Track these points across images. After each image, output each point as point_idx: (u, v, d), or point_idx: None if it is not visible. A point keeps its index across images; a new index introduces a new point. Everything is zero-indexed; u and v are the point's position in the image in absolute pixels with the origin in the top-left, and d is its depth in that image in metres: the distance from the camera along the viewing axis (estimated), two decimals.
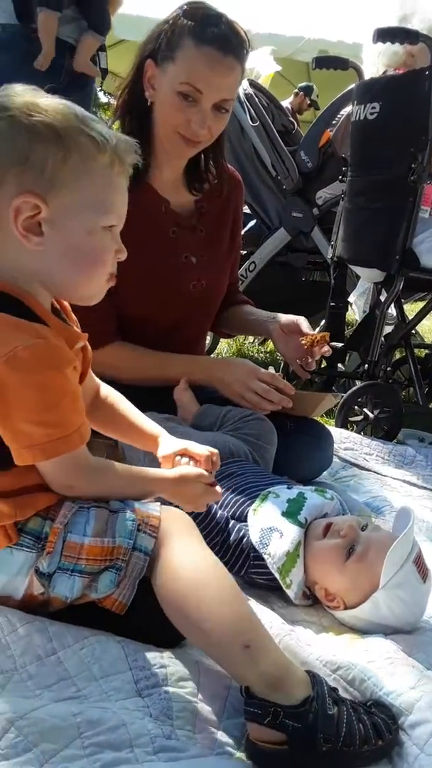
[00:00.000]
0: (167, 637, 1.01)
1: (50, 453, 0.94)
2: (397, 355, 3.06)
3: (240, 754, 0.87)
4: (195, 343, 1.90)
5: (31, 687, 0.87)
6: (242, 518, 1.35)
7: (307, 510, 1.33)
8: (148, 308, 1.73)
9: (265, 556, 1.26)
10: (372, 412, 2.50)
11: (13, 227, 0.92)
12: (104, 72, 3.03)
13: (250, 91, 3.29)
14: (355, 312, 3.11)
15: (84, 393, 1.06)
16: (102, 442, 1.42)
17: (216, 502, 1.32)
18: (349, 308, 3.26)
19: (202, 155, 1.73)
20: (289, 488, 1.40)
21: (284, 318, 1.81)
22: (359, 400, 2.53)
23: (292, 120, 3.77)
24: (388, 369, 2.72)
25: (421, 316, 2.72)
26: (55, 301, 1.06)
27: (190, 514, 1.09)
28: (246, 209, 3.07)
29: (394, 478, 2.10)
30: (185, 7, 1.55)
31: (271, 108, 3.44)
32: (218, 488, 1.13)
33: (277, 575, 1.25)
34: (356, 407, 2.55)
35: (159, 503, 1.05)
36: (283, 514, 1.31)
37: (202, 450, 1.14)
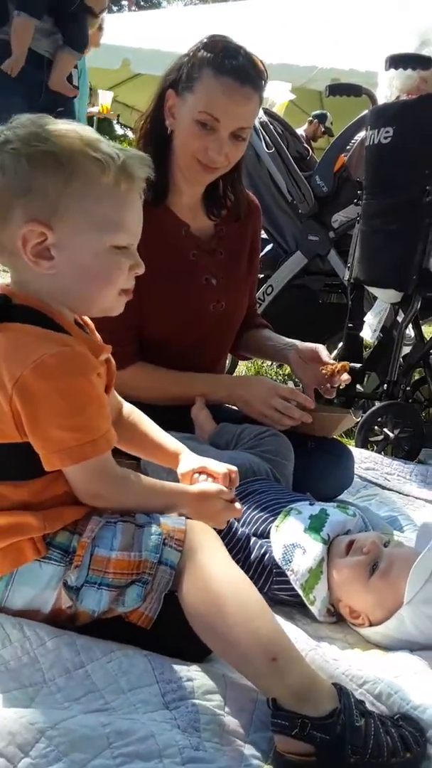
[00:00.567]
0: (193, 651, 1.02)
1: (78, 457, 0.96)
2: (416, 376, 3.06)
3: (268, 767, 0.86)
4: (215, 364, 1.93)
5: (60, 699, 0.88)
6: (264, 535, 1.35)
7: (330, 526, 1.33)
8: (169, 329, 1.76)
9: (288, 573, 1.26)
10: (392, 432, 2.49)
11: (23, 255, 0.96)
12: (90, 88, 2.98)
13: (265, 119, 3.36)
14: (367, 331, 3.10)
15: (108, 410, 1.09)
16: (124, 462, 1.44)
17: (237, 519, 1.33)
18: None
19: (221, 181, 1.77)
20: (311, 505, 1.41)
21: (302, 346, 1.83)
22: (379, 420, 2.53)
23: (307, 147, 3.83)
24: (408, 389, 2.72)
25: None
26: (79, 318, 1.09)
27: None
28: (263, 234, 3.11)
29: (416, 498, 2.09)
30: (206, 40, 1.61)
31: (286, 135, 3.50)
32: (237, 505, 1.15)
33: (300, 592, 1.25)
34: (376, 427, 2.55)
35: (184, 517, 1.07)
36: (306, 530, 1.31)
37: (221, 468, 1.16)
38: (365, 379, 3.11)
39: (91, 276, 1.00)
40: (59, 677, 0.91)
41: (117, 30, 5.93)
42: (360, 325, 3.04)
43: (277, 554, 1.28)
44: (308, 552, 1.27)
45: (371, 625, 1.22)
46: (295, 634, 1.11)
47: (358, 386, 3.00)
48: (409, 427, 2.49)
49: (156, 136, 1.69)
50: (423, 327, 2.86)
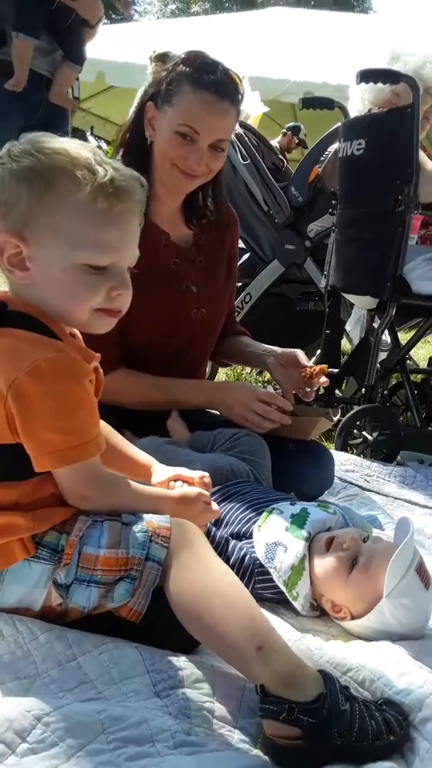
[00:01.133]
0: (181, 644, 1.04)
1: (69, 459, 0.99)
2: (394, 381, 3.13)
3: (257, 751, 0.90)
4: (196, 369, 1.96)
5: (54, 690, 0.91)
6: (247, 535, 1.39)
7: (311, 524, 1.37)
8: (152, 336, 1.79)
9: (271, 570, 1.29)
10: (371, 435, 2.55)
11: (2, 263, 1.00)
12: (76, 99, 3.01)
13: (240, 131, 3.43)
14: (350, 341, 3.19)
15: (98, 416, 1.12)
16: None
17: (214, 523, 1.37)
18: (345, 337, 3.33)
19: (200, 192, 1.82)
20: (292, 504, 1.45)
21: (281, 351, 1.87)
22: (358, 423, 2.58)
23: (282, 158, 3.91)
24: (385, 393, 2.78)
25: (415, 340, 2.80)
26: (71, 329, 1.12)
27: None
28: (240, 243, 3.17)
29: (396, 498, 2.14)
30: (184, 55, 1.66)
31: (261, 147, 3.57)
32: (215, 506, 1.21)
33: (283, 588, 1.28)
34: (355, 431, 2.60)
35: (168, 516, 1.10)
36: (287, 528, 1.35)
37: (195, 473, 1.21)
38: (344, 384, 3.17)
39: (60, 291, 1.01)
40: (52, 669, 0.94)
41: (91, 43, 5.97)
42: (338, 331, 3.11)
43: (260, 553, 1.32)
44: (290, 549, 1.31)
45: (353, 618, 1.26)
46: (280, 626, 1.14)
47: (336, 391, 3.05)
48: (387, 429, 2.55)
49: (135, 147, 1.74)
50: (399, 334, 2.93)
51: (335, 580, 1.27)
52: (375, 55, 2.70)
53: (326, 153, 3.39)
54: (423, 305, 2.60)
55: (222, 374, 3.85)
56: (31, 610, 1.03)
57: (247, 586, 1.29)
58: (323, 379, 1.80)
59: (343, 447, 2.55)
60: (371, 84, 2.63)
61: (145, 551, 1.02)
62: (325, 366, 1.81)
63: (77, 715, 0.82)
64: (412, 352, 3.55)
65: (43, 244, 0.99)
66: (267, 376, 3.78)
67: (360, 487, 2.14)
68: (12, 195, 0.97)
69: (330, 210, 2.98)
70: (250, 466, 1.60)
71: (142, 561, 1.02)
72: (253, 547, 1.34)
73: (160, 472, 1.24)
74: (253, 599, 1.01)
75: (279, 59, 6.63)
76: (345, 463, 2.32)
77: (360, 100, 2.79)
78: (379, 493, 2.13)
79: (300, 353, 1.85)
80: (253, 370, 4.03)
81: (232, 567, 1.30)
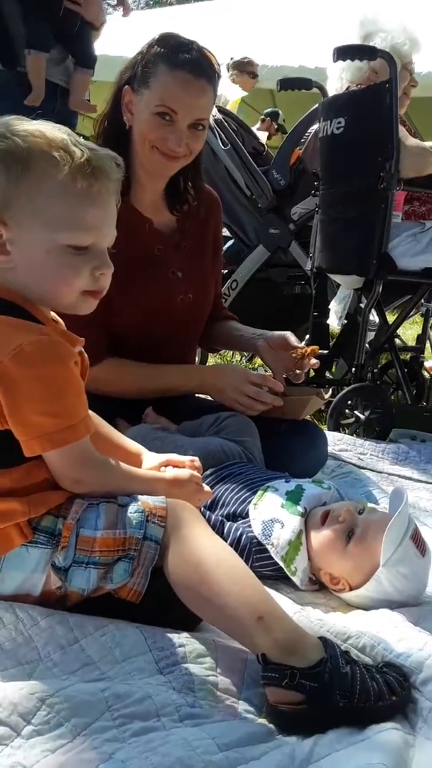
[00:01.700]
0: (182, 623, 1.05)
1: (58, 442, 0.99)
2: (384, 361, 3.14)
3: (262, 720, 0.91)
4: (185, 356, 1.96)
5: (57, 673, 0.91)
6: (243, 515, 1.39)
7: (306, 500, 1.37)
8: (139, 323, 1.79)
9: (269, 547, 1.30)
10: (363, 414, 2.56)
11: None
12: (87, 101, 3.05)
13: (219, 116, 3.41)
14: (332, 318, 3.18)
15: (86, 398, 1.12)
16: None
17: (209, 506, 1.38)
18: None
19: (181, 177, 1.81)
20: (287, 482, 1.45)
21: (271, 334, 1.87)
22: (349, 403, 2.59)
23: (261, 142, 3.89)
24: (375, 372, 2.79)
25: (402, 317, 2.81)
26: (53, 315, 1.12)
27: None
28: (224, 230, 3.16)
29: (390, 474, 2.15)
30: (157, 36, 1.65)
31: (241, 131, 3.56)
32: (207, 488, 1.22)
33: (281, 564, 1.29)
34: (347, 410, 2.61)
35: (164, 496, 1.10)
36: (283, 505, 1.36)
37: (184, 458, 1.22)
38: (333, 365, 3.18)
39: (45, 274, 1.01)
40: (54, 653, 0.94)
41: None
42: (325, 312, 3.11)
43: (257, 530, 1.32)
44: (286, 525, 1.31)
45: (351, 589, 1.27)
46: (280, 600, 1.15)
47: (327, 373, 3.06)
48: (378, 408, 2.56)
49: (114, 134, 1.72)
50: (386, 314, 2.94)
51: (332, 552, 1.28)
52: (348, 32, 2.69)
53: (307, 134, 3.38)
54: (409, 281, 2.60)
55: (212, 360, 3.84)
56: (31, 595, 1.03)
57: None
58: (314, 360, 1.80)
59: (336, 427, 2.56)
60: (348, 61, 2.62)
61: (142, 531, 1.03)
62: (316, 347, 1.81)
63: (81, 695, 0.83)
64: (400, 333, 3.56)
65: (24, 227, 0.98)
66: (258, 362, 3.78)
67: (354, 465, 2.15)
68: None
69: (313, 192, 2.98)
70: (240, 447, 1.60)
71: (140, 540, 1.02)
72: (249, 526, 1.34)
73: (150, 459, 1.25)
74: (251, 572, 1.02)
75: (255, 45, 6.60)
76: (338, 442, 2.33)
77: (338, 79, 2.79)
78: (373, 470, 2.15)
79: (290, 335, 1.85)
80: (243, 356, 4.03)
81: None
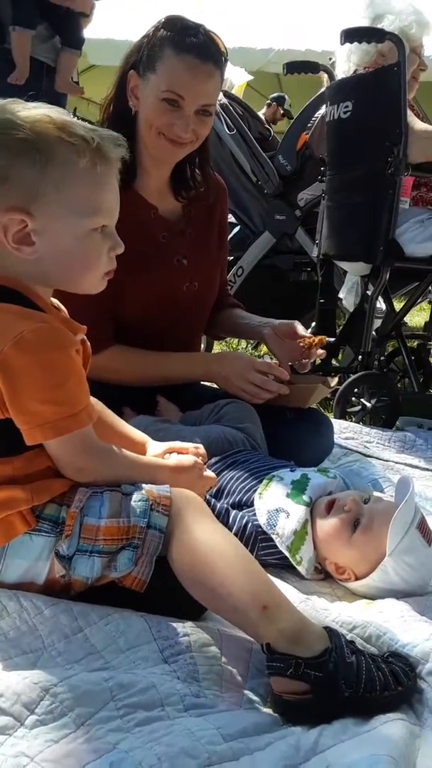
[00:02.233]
0: (187, 612, 1.05)
1: (60, 430, 0.99)
2: (390, 348, 3.12)
3: (267, 709, 0.90)
4: (190, 344, 1.95)
5: (61, 662, 0.91)
6: (248, 504, 1.38)
7: (312, 489, 1.36)
8: (144, 311, 1.77)
9: (274, 537, 1.30)
10: (369, 402, 2.54)
11: (5, 242, 0.98)
12: (76, 83, 3.01)
13: (225, 101, 3.37)
14: (345, 309, 3.18)
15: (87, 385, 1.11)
16: None
17: (214, 494, 1.37)
18: (339, 305, 3.32)
19: (188, 164, 1.79)
20: (292, 471, 1.44)
21: (278, 322, 1.85)
22: (356, 390, 2.58)
23: (268, 127, 3.86)
24: (382, 359, 2.78)
25: (410, 305, 2.78)
26: (55, 302, 1.11)
27: None
28: (230, 217, 3.14)
29: (396, 462, 2.14)
30: (163, 20, 1.62)
31: (247, 116, 3.53)
32: (210, 473, 1.22)
33: (287, 553, 1.28)
34: (353, 398, 2.60)
35: (168, 485, 1.10)
36: (288, 495, 1.35)
37: (188, 445, 1.22)
38: (340, 353, 3.16)
39: (73, 260, 1.02)
40: (59, 642, 0.94)
41: None
42: (332, 300, 3.09)
43: (262, 519, 1.32)
44: (292, 515, 1.31)
45: (357, 579, 1.26)
46: (285, 590, 1.14)
47: (333, 360, 3.04)
48: (385, 396, 2.55)
49: (120, 119, 1.70)
50: (393, 302, 2.91)
51: (338, 542, 1.28)
52: (357, 14, 2.65)
53: (313, 119, 3.35)
54: (416, 268, 2.58)
55: (217, 348, 3.83)
56: (35, 583, 1.03)
57: (252, 554, 1.30)
58: (320, 350, 1.79)
59: (342, 415, 2.54)
60: (356, 44, 2.58)
61: (146, 519, 1.02)
62: (323, 337, 1.79)
63: (85, 685, 0.82)
64: (407, 320, 3.54)
65: (52, 216, 0.98)
66: (263, 349, 3.77)
67: (360, 453, 2.14)
68: (12, 170, 0.96)
69: (319, 177, 2.95)
70: (243, 434, 1.59)
71: (144, 529, 1.02)
72: (254, 515, 1.34)
73: (154, 447, 1.24)
74: (255, 561, 1.02)
75: (262, 29, 6.53)
76: (344, 430, 2.32)
77: (345, 62, 2.74)
78: (380, 459, 2.13)
79: (297, 324, 1.83)
80: (249, 344, 4.01)
81: (235, 536, 1.30)
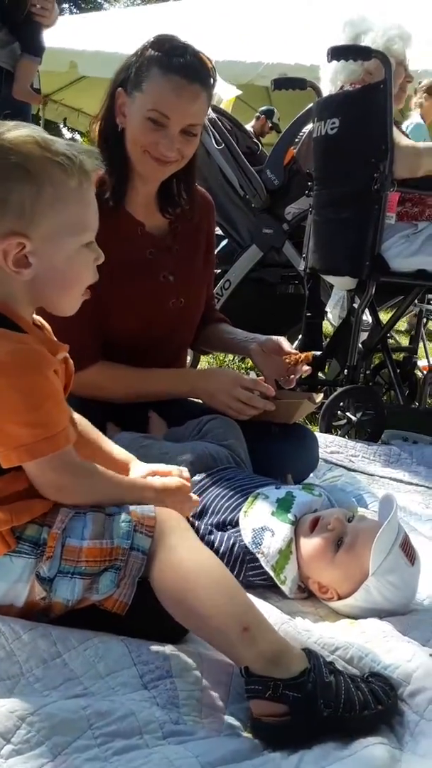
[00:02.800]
0: (167, 636, 1.04)
1: (36, 453, 0.98)
2: (376, 361, 3.13)
3: (247, 734, 0.89)
4: (176, 359, 1.95)
5: (39, 689, 0.90)
6: (233, 524, 1.38)
7: (297, 507, 1.36)
8: (130, 327, 1.77)
9: (259, 556, 1.29)
10: (354, 416, 2.55)
11: (4, 267, 0.99)
12: (37, 91, 2.93)
13: (213, 115, 3.39)
14: (331, 322, 3.19)
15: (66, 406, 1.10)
16: None
17: (199, 514, 1.37)
18: (326, 318, 3.33)
19: (175, 180, 1.79)
20: (277, 488, 1.44)
21: (264, 338, 1.85)
22: (341, 404, 2.58)
23: (256, 141, 3.89)
24: (368, 373, 2.79)
25: (395, 318, 2.80)
26: (37, 320, 1.11)
27: None
28: (217, 230, 3.15)
29: (381, 477, 2.15)
30: (153, 39, 1.63)
31: (235, 131, 3.55)
32: (195, 497, 1.22)
33: (271, 573, 1.28)
34: (339, 412, 2.60)
35: (153, 505, 1.09)
36: (273, 513, 1.34)
37: (172, 468, 1.21)
38: (326, 366, 3.17)
39: (65, 278, 1.04)
40: (37, 668, 0.92)
41: (63, 33, 5.90)
42: (319, 314, 3.10)
43: (247, 538, 1.31)
44: (277, 533, 1.30)
45: (340, 598, 1.26)
46: (267, 610, 1.14)
47: (319, 374, 3.05)
48: (370, 409, 2.56)
49: (109, 136, 1.70)
50: (380, 315, 2.93)
51: (321, 561, 1.27)
52: (339, 32, 2.67)
53: (301, 134, 3.38)
54: (402, 283, 2.60)
55: (204, 362, 3.83)
56: (14, 606, 1.02)
57: (238, 574, 1.29)
58: (306, 367, 1.79)
59: (328, 429, 2.55)
60: (343, 62, 2.60)
61: (129, 541, 1.02)
62: (309, 353, 1.80)
63: (62, 713, 0.81)
64: (393, 332, 3.56)
65: (47, 236, 0.99)
66: (250, 362, 3.78)
67: (345, 467, 2.14)
68: (10, 195, 0.96)
69: (306, 192, 2.96)
70: (227, 451, 1.59)
71: (126, 551, 1.01)
72: (240, 535, 1.33)
73: (138, 468, 1.23)
74: (237, 582, 1.01)
75: (251, 42, 6.58)
76: (330, 444, 2.32)
77: (333, 78, 2.77)
78: (364, 473, 2.14)
79: (283, 340, 1.84)
80: (236, 357, 4.02)
81: (221, 557, 1.29)
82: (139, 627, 1.03)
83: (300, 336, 3.16)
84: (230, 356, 3.96)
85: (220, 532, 1.35)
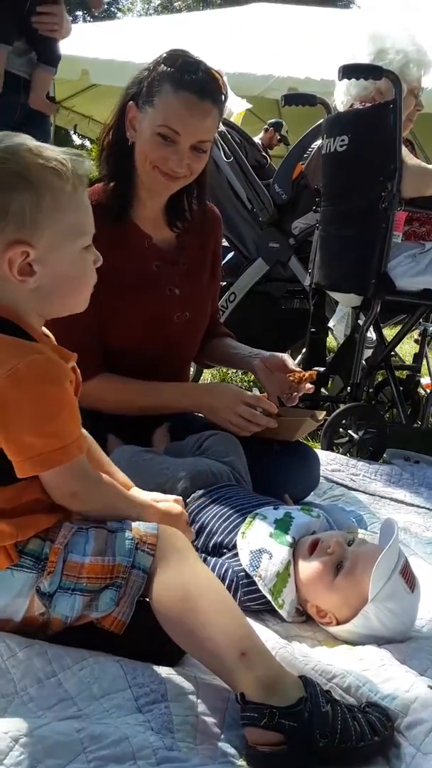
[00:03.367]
0: (165, 655, 1.03)
1: (51, 463, 0.98)
2: (379, 378, 3.12)
3: (242, 762, 0.88)
4: (179, 373, 1.94)
5: (33, 709, 0.89)
6: (229, 547, 1.37)
7: (295, 529, 1.35)
8: (134, 340, 1.77)
9: (256, 579, 1.28)
10: (356, 434, 2.54)
11: (10, 276, 0.99)
12: (52, 99, 2.95)
13: (223, 128, 3.40)
14: (336, 338, 3.19)
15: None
16: None
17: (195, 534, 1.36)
18: (330, 334, 3.33)
19: (185, 194, 1.80)
20: (275, 509, 1.43)
21: (268, 354, 1.85)
22: (343, 422, 2.58)
23: (265, 155, 3.89)
24: (371, 391, 2.78)
25: (399, 338, 2.80)
26: (45, 330, 1.11)
27: None
28: (224, 242, 3.15)
29: (382, 497, 2.14)
30: (165, 54, 1.63)
31: (244, 144, 3.55)
32: (190, 530, 1.24)
33: (269, 596, 1.26)
34: (341, 429, 2.59)
35: (156, 523, 1.08)
36: (271, 535, 1.33)
37: (169, 497, 1.22)
38: (329, 382, 3.16)
39: (70, 282, 1.04)
40: (31, 687, 0.92)
41: (76, 41, 5.94)
42: (323, 329, 3.10)
43: (245, 561, 1.30)
44: (275, 556, 1.29)
45: (338, 623, 1.25)
46: (265, 635, 1.13)
47: (322, 390, 3.05)
48: (372, 428, 2.55)
49: (118, 148, 1.71)
50: (384, 331, 2.92)
51: (320, 585, 1.26)
52: (357, 49, 2.68)
53: (310, 149, 3.38)
54: (407, 302, 2.59)
55: (207, 375, 3.83)
56: (12, 620, 1.01)
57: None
58: (309, 385, 1.79)
59: (329, 446, 2.54)
60: (354, 80, 2.61)
61: (131, 559, 1.01)
62: (314, 372, 1.80)
63: (56, 735, 0.80)
64: (397, 349, 3.55)
65: (50, 243, 1.00)
66: (253, 376, 3.77)
67: (346, 486, 2.14)
68: (11, 205, 0.97)
69: (314, 207, 2.97)
70: (228, 468, 1.59)
71: (128, 569, 1.01)
72: (235, 560, 1.32)
73: (137, 494, 1.22)
74: (237, 605, 1.01)
75: (262, 55, 6.61)
76: (331, 462, 2.31)
77: (344, 95, 2.78)
78: (365, 492, 2.13)
79: (287, 357, 1.84)
80: (239, 371, 4.01)
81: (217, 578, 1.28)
82: (135, 646, 1.03)
83: (303, 351, 3.16)
84: (233, 370, 3.96)
85: (213, 558, 1.34)
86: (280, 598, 1.26)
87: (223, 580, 1.28)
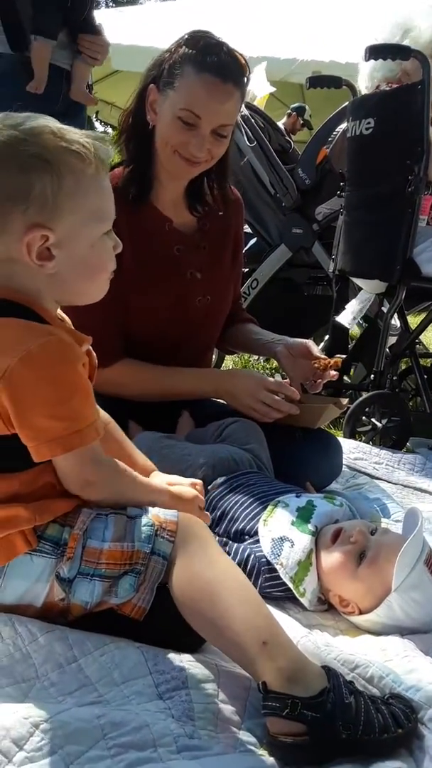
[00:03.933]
0: (185, 643, 1.03)
1: (67, 446, 0.97)
2: (403, 366, 3.08)
3: (262, 752, 0.88)
4: (201, 358, 1.93)
5: (54, 694, 0.89)
6: (251, 533, 1.36)
7: (317, 518, 1.34)
8: (156, 325, 1.76)
9: (277, 567, 1.27)
10: (380, 422, 2.51)
11: (28, 261, 0.98)
12: (90, 89, 2.99)
13: (246, 112, 3.36)
14: (346, 316, 3.11)
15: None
16: None
17: (214, 522, 1.36)
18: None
19: (206, 178, 1.77)
20: (297, 497, 1.42)
21: (292, 341, 1.83)
22: (367, 410, 2.54)
23: (288, 139, 3.84)
24: (395, 379, 2.74)
25: (424, 325, 2.75)
26: (60, 314, 1.10)
27: None
28: (246, 228, 3.12)
29: (405, 486, 2.11)
30: (187, 36, 1.60)
31: (268, 128, 3.51)
32: (207, 514, 1.21)
33: (290, 585, 1.25)
34: (364, 417, 2.56)
35: (176, 510, 1.07)
36: (293, 523, 1.32)
37: (187, 480, 1.20)
38: (352, 370, 3.13)
39: (89, 267, 1.02)
40: (52, 672, 0.92)
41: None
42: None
43: (266, 548, 1.29)
44: (296, 544, 1.28)
45: (361, 612, 1.23)
46: (286, 623, 1.12)
47: (345, 377, 3.01)
48: (396, 416, 2.51)
49: (138, 132, 1.69)
50: (408, 317, 2.88)
51: (343, 574, 1.25)
52: (384, 28, 2.62)
53: (334, 133, 3.33)
54: None
55: (229, 361, 3.81)
56: (33, 606, 1.01)
57: (255, 586, 1.27)
58: (333, 372, 1.76)
59: (352, 434, 2.51)
60: (380, 61, 2.55)
61: (150, 545, 1.00)
62: (339, 359, 1.77)
63: (76, 721, 0.80)
64: (421, 337, 3.50)
65: (70, 227, 0.98)
66: (275, 363, 3.75)
67: (369, 475, 2.11)
68: (32, 187, 0.95)
69: (338, 192, 2.92)
70: (249, 454, 1.57)
71: (147, 555, 1.00)
72: (257, 546, 1.31)
73: (157, 478, 1.22)
74: (257, 594, 0.99)
75: (286, 38, 6.52)
76: (354, 450, 2.29)
77: (369, 78, 2.72)
78: (389, 481, 2.10)
79: (311, 344, 1.81)
80: (260, 358, 3.99)
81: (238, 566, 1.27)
82: (155, 634, 1.02)
83: (326, 338, 3.12)
84: (255, 356, 3.93)
85: (236, 544, 1.33)
86: (302, 587, 1.24)
87: (244, 565, 1.27)
